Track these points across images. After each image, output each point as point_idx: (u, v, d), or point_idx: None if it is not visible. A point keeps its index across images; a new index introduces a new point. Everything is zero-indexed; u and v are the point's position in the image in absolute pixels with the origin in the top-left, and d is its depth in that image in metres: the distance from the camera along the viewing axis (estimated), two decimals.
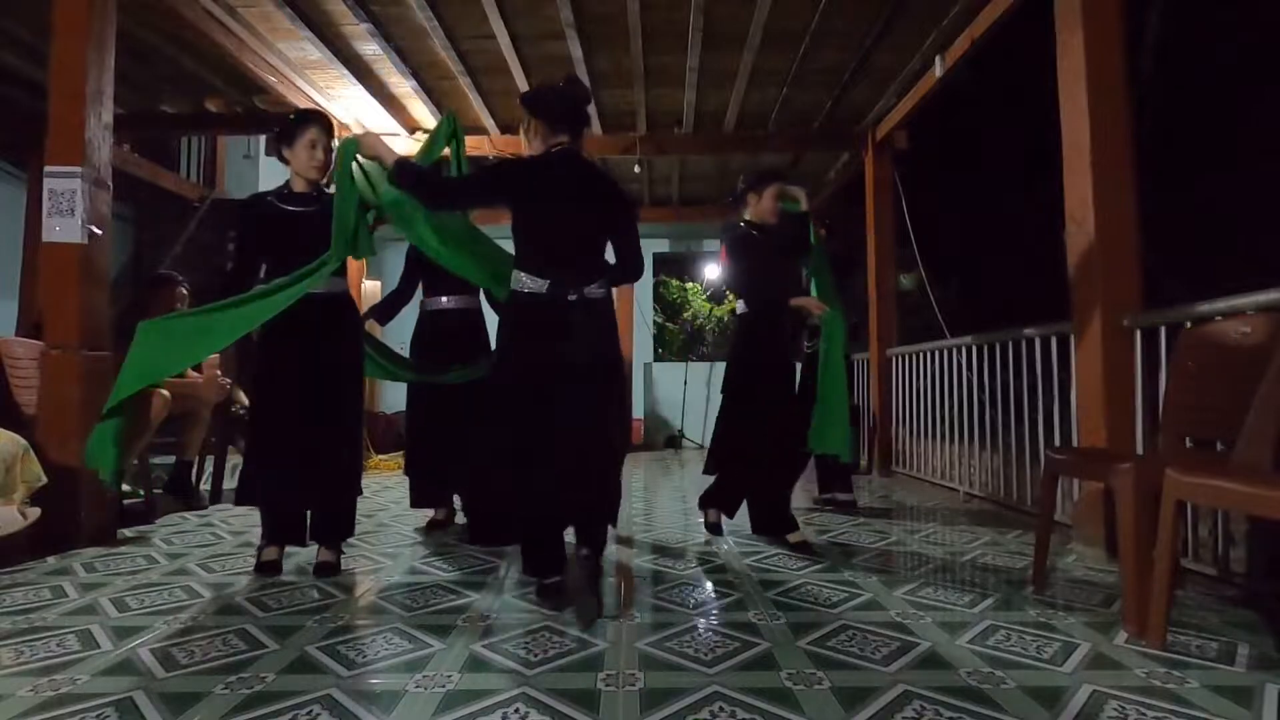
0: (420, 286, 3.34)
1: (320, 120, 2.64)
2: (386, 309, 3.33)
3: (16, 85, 5.03)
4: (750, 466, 3.00)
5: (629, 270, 2.37)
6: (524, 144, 2.35)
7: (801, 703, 1.46)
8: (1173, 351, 2.28)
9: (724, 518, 3.18)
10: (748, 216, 3.11)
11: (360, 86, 4.83)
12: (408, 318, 3.37)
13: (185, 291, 3.89)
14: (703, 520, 3.21)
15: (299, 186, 2.62)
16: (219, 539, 3.06)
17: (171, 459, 3.96)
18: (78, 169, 2.93)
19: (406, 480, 3.35)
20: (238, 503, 2.54)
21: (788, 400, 3.05)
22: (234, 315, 2.39)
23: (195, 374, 3.88)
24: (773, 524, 3.00)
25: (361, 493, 2.66)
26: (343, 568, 2.54)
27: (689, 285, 9.52)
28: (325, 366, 2.51)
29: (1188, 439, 2.19)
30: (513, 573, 2.48)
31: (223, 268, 7.12)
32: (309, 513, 2.59)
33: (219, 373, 3.99)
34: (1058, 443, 3.21)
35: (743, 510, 3.13)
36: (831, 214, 5.77)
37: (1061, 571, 2.50)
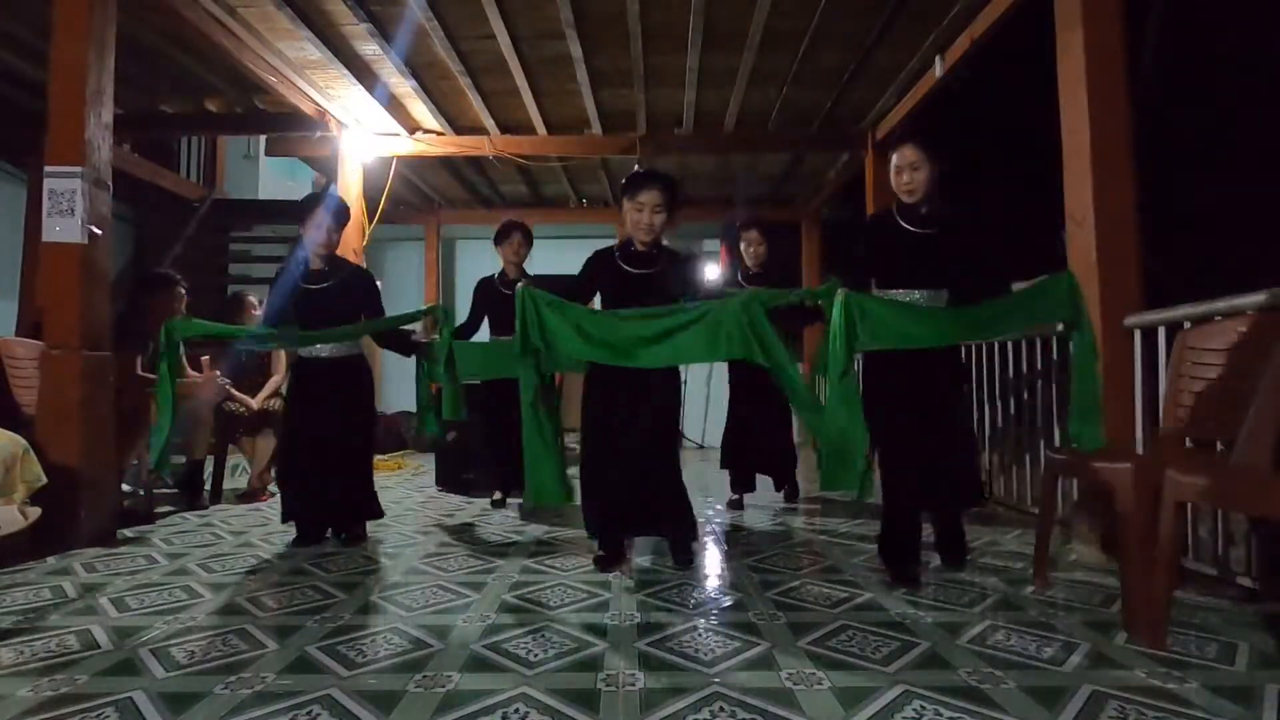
0: (487, 321, 3.96)
1: (330, 209, 2.93)
2: (460, 334, 3.76)
3: (16, 85, 5.03)
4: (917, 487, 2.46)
5: None
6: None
7: (801, 703, 1.46)
8: (1172, 351, 2.28)
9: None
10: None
11: (360, 86, 4.83)
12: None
13: (183, 291, 3.89)
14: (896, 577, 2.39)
15: (314, 264, 2.98)
16: (219, 539, 3.07)
17: (173, 459, 3.97)
18: (78, 169, 2.94)
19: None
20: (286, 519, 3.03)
21: (943, 404, 2.46)
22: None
23: (195, 374, 3.88)
24: (956, 547, 2.55)
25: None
26: (342, 567, 2.57)
27: None
28: (343, 415, 2.98)
29: (1188, 439, 2.19)
30: (513, 573, 2.49)
31: (223, 267, 7.15)
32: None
33: (217, 373, 3.99)
34: (1058, 443, 3.21)
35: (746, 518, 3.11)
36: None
37: (1061, 571, 2.50)
